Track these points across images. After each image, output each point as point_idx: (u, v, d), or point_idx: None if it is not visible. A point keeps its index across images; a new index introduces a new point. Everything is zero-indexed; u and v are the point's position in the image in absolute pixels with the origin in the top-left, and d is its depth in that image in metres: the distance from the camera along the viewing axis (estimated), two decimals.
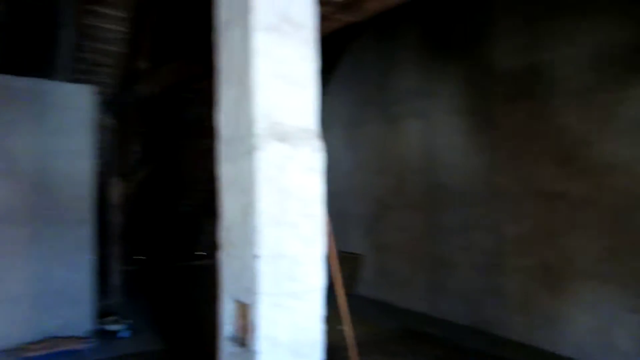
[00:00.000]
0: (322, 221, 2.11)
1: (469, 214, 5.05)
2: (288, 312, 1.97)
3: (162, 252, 7.91)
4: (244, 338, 2.00)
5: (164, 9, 5.18)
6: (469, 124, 5.14)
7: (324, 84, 7.19)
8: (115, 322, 4.85)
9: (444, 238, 5.34)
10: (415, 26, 5.78)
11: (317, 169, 2.11)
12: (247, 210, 1.97)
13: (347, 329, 3.11)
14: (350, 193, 6.80)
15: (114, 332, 4.70)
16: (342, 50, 6.83)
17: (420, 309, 5.53)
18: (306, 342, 2.01)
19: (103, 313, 4.96)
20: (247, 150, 1.97)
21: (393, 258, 6.03)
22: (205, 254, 7.76)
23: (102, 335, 4.58)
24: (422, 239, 5.63)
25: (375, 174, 6.38)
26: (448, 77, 5.37)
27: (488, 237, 4.83)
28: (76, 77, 5.18)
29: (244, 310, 1.99)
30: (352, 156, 6.79)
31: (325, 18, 2.48)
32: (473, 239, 4.98)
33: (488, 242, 4.83)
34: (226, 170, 2.16)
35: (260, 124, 1.95)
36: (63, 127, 4.64)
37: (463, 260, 5.09)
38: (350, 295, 6.29)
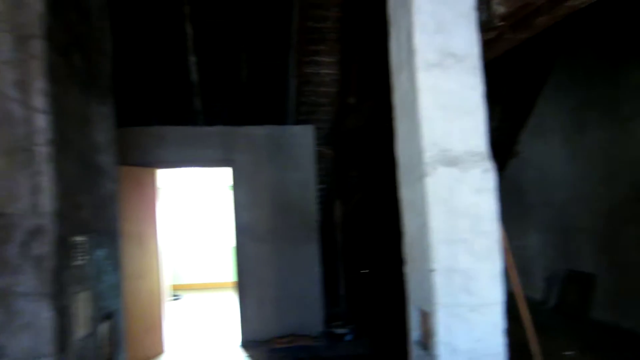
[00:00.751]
0: (496, 238, 2.19)
1: None
2: (465, 322, 2.12)
3: (382, 266, 8.53)
4: (426, 343, 2.23)
5: (366, 51, 5.83)
6: None
7: (537, 92, 6.77)
8: (341, 326, 5.56)
9: None
10: None
11: (488, 188, 2.21)
12: (422, 229, 2.22)
13: (534, 348, 2.96)
14: (573, 205, 6.17)
15: (340, 335, 5.39)
16: (555, 54, 6.34)
17: None
18: (485, 353, 2.11)
19: (330, 318, 5.73)
20: (419, 176, 2.23)
21: (634, 279, 5.21)
22: None
23: (329, 336, 5.31)
24: None
25: (604, 183, 5.65)
26: None
27: None
28: (299, 118, 6.25)
29: (426, 318, 2.23)
30: (573, 164, 6.16)
31: (495, 40, 2.56)
32: None
33: None
34: (405, 194, 2.46)
35: (428, 153, 2.19)
36: (292, 161, 5.67)
37: None
38: (581, 319, 5.68)
